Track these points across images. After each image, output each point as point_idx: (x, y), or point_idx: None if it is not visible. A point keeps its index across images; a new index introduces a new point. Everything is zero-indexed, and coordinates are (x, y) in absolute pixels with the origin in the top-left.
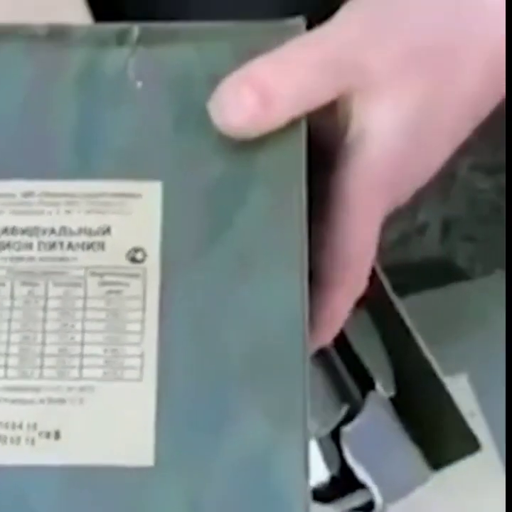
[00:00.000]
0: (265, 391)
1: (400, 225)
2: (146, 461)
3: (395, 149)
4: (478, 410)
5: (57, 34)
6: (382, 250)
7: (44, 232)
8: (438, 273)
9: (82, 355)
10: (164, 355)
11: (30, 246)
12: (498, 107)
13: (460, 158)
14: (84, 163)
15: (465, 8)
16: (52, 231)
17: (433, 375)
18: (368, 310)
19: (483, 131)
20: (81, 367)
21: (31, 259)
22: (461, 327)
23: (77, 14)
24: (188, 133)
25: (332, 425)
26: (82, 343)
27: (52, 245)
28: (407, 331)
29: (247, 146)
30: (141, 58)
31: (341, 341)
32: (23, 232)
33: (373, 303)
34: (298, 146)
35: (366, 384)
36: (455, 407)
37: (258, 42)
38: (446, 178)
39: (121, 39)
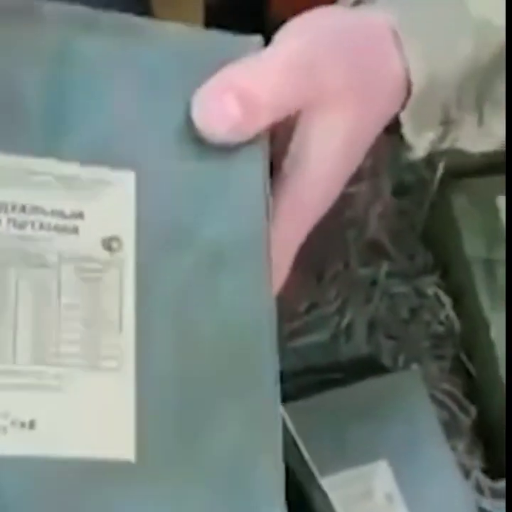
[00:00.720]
0: (239, 385)
1: (329, 327)
2: (126, 455)
3: (333, 170)
4: (397, 493)
5: (28, 11)
6: (313, 350)
7: (13, 208)
8: (364, 368)
9: (58, 342)
10: (142, 344)
11: None
12: (411, 222)
13: (379, 267)
14: (57, 144)
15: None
16: (23, 209)
17: (309, 471)
18: None
19: (399, 242)
20: (57, 354)
21: (1, 237)
22: (382, 416)
23: None
24: (162, 124)
25: None
26: (59, 330)
27: (23, 225)
28: (290, 434)
29: (218, 147)
30: (117, 48)
31: None
32: None
33: None
34: (263, 151)
35: None
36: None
37: (225, 50)
38: (368, 285)
39: (93, 25)
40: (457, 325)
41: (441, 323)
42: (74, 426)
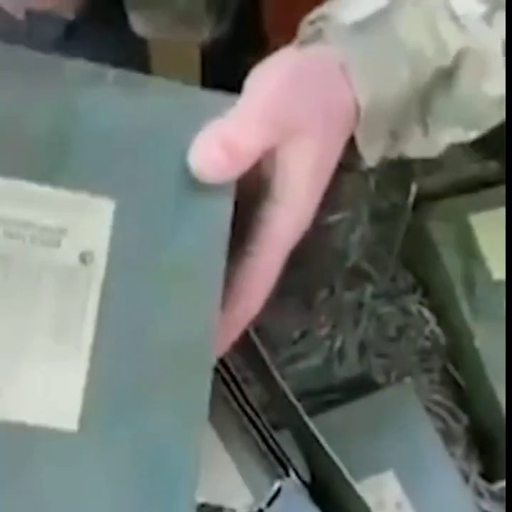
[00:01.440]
0: (175, 390)
1: (322, 352)
2: (71, 425)
3: (311, 189)
4: (405, 500)
5: (48, 65)
6: (309, 374)
7: (10, 222)
8: (359, 388)
9: (34, 329)
10: (99, 339)
11: None
12: (390, 245)
13: (364, 290)
14: (54, 172)
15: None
16: (15, 222)
17: (342, 475)
18: (289, 429)
19: (380, 265)
20: (30, 339)
21: None
22: (383, 430)
23: None
24: (145, 162)
25: (267, 499)
26: (35, 320)
27: (14, 235)
28: (320, 445)
29: (189, 185)
30: (118, 98)
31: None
32: None
33: (292, 424)
34: (231, 189)
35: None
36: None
37: (208, 104)
38: (355, 308)
39: (100, 79)
40: (442, 338)
41: (426, 338)
42: (32, 397)
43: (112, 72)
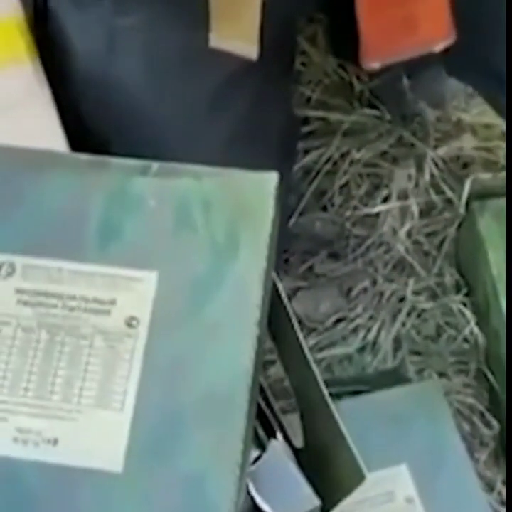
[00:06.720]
0: (211, 429)
1: (356, 341)
2: (116, 467)
3: None
4: (416, 496)
5: (97, 163)
6: (339, 362)
7: (68, 297)
8: (389, 382)
9: (82, 387)
10: (142, 394)
11: (55, 306)
12: (438, 241)
13: (406, 285)
14: (105, 252)
15: None
16: (73, 297)
17: (344, 440)
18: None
19: (426, 261)
20: (80, 396)
21: (55, 315)
22: (404, 423)
23: (56, 144)
24: (181, 238)
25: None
26: (84, 379)
27: (72, 308)
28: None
29: (223, 254)
30: (159, 186)
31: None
32: (52, 295)
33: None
34: (261, 260)
35: (270, 433)
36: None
37: (240, 183)
38: (395, 301)
39: (144, 171)
40: (481, 341)
41: (465, 339)
42: (85, 445)
43: (155, 165)
